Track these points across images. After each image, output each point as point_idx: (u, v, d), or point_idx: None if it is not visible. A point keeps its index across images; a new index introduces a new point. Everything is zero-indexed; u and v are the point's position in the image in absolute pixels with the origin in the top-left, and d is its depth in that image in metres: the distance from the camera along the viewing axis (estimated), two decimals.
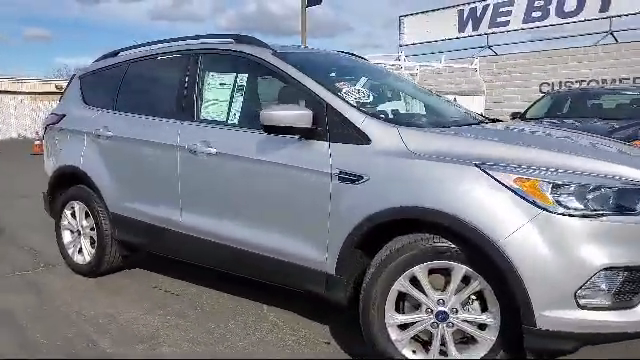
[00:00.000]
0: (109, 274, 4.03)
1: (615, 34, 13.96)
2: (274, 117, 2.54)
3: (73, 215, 4.08)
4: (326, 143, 2.55)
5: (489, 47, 16.96)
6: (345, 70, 3.31)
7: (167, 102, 3.48)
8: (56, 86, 29.90)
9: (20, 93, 28.18)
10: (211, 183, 3.02)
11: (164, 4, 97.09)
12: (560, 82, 13.64)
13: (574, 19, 14.52)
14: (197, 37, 3.48)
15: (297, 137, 2.63)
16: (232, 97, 3.04)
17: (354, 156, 2.45)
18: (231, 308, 3.36)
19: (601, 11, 13.89)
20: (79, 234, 4.02)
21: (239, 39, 3.20)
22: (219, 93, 3.11)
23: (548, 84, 13.53)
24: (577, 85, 13.03)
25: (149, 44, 3.81)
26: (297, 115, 2.54)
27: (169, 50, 3.51)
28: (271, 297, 3.42)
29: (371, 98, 2.84)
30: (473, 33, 17.09)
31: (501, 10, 16.27)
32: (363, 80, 3.15)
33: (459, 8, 17.33)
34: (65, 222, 4.12)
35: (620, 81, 12.19)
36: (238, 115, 3.00)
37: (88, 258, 3.96)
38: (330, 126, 2.57)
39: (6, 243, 5.14)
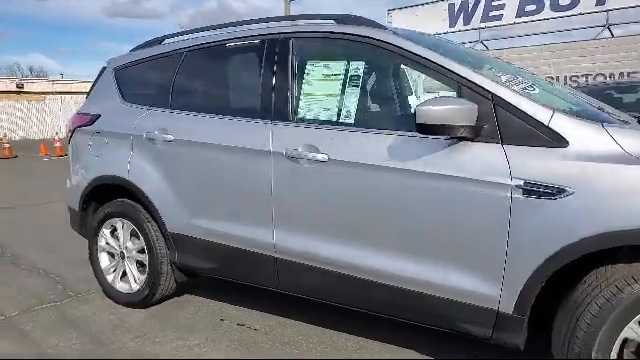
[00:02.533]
0: (158, 304, 3.39)
1: (611, 28, 13.90)
2: (433, 113, 1.99)
3: (114, 235, 3.42)
4: (498, 145, 2.02)
5: (481, 42, 16.71)
6: (468, 56, 2.75)
7: (247, 98, 2.88)
8: (17, 85, 28.30)
9: None
10: (321, 197, 2.44)
11: (121, 0, 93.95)
12: (565, 77, 13.44)
13: (569, 13, 14.38)
14: (282, 19, 2.88)
15: (448, 138, 2.08)
16: (344, 90, 2.46)
17: (545, 162, 1.92)
18: (331, 344, 2.79)
19: (598, 4, 13.77)
20: (122, 257, 3.36)
21: (342, 20, 2.62)
22: (324, 86, 2.53)
23: (552, 78, 13.33)
24: (584, 80, 12.85)
25: (208, 29, 3.18)
26: (460, 110, 1.99)
27: (244, 35, 2.88)
28: (371, 326, 2.87)
29: (537, 90, 2.30)
30: (464, 28, 16.80)
31: (494, 4, 16.02)
32: (493, 68, 2.61)
33: (450, 2, 16.98)
34: (102, 243, 3.45)
35: (627, 75, 12.06)
36: (354, 112, 2.43)
37: (136, 286, 3.30)
38: (502, 124, 2.03)
39: (12, 265, 4.40)
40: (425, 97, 2.32)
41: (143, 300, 3.25)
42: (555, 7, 14.66)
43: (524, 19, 15.43)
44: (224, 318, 3.18)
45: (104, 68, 3.67)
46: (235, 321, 3.13)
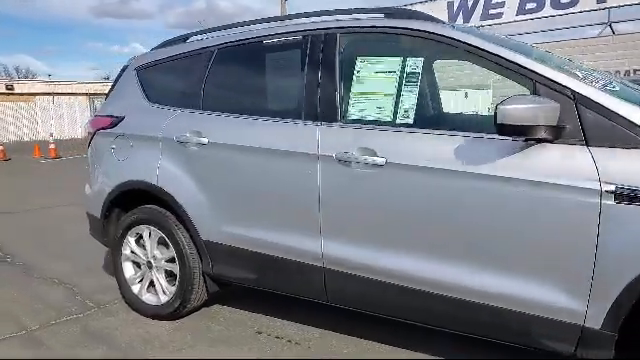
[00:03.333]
0: (186, 316, 3.21)
1: (613, 25, 13.86)
2: (517, 113, 1.84)
3: (139, 243, 3.23)
4: (582, 147, 1.87)
5: None
6: (532, 52, 2.58)
7: (289, 98, 2.72)
8: (6, 86, 27.82)
9: None
10: (378, 203, 2.27)
11: (109, 0, 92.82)
12: None
13: (570, 10, 14.32)
14: (324, 14, 2.71)
15: (526, 140, 1.93)
16: (400, 88, 2.30)
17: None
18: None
19: (599, 2, 13.73)
20: (149, 267, 3.17)
21: (392, 13, 2.46)
22: (377, 83, 2.37)
23: None
24: None
25: (241, 25, 3.00)
26: (543, 110, 1.84)
27: (284, 31, 2.71)
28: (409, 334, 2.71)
29: (617, 87, 2.15)
30: None
31: (493, 2, 15.94)
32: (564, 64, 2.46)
33: (449, 0, 16.91)
34: (127, 252, 3.26)
35: (634, 72, 12.02)
36: (413, 111, 2.26)
37: (164, 298, 3.12)
38: (586, 124, 1.88)
39: (24, 275, 4.19)
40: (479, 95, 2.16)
41: (173, 312, 3.07)
42: (556, 5, 14.60)
43: (524, 17, 15.37)
44: (260, 330, 3.01)
45: (125, 67, 3.48)
46: (273, 333, 2.96)
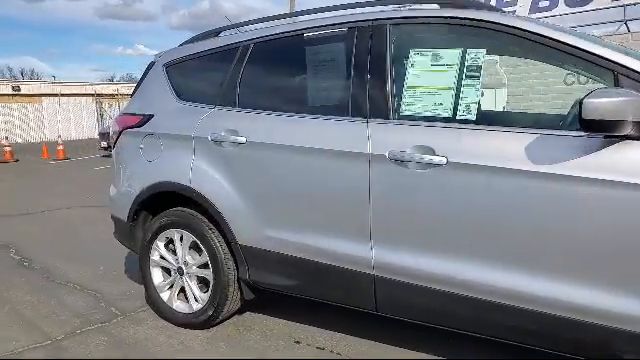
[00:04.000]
0: (218, 324, 3.05)
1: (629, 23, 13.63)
2: (606, 107, 1.67)
3: (169, 248, 3.08)
4: None
5: None
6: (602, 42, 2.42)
7: (334, 94, 2.56)
8: (13, 87, 27.81)
9: None
10: (437, 206, 2.11)
11: (113, 2, 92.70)
12: None
13: (585, 8, 14.11)
14: (368, 4, 2.55)
15: (608, 137, 1.77)
16: (460, 82, 2.14)
17: None
18: None
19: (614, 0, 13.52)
20: (180, 273, 3.02)
21: (449, 3, 2.30)
22: (434, 77, 2.20)
23: (573, 75, 13.08)
24: None
25: (277, 18, 2.84)
26: (632, 104, 1.68)
27: (327, 23, 2.55)
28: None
29: None
30: None
31: (505, 0, 15.75)
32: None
33: None
34: (156, 257, 3.11)
35: None
36: (475, 107, 2.10)
37: (197, 305, 2.96)
38: None
39: (45, 280, 4.04)
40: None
41: (206, 321, 2.91)
42: (570, 2, 14.39)
43: (538, 15, 15.16)
44: (299, 340, 2.85)
45: (152, 64, 3.33)
46: (313, 343, 2.80)
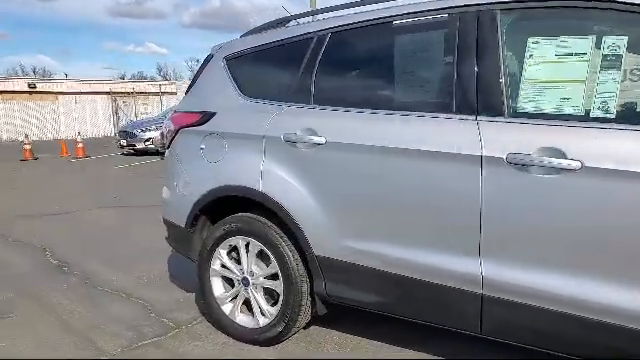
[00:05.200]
0: (285, 340, 2.80)
1: None
2: None
3: (232, 256, 2.84)
4: None
5: None
6: None
7: (431, 88, 2.31)
8: (29, 85, 27.82)
9: None
10: (569, 217, 1.84)
11: (125, 0, 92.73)
12: None
13: None
14: None
15: None
16: (594, 75, 1.86)
17: None
18: None
19: None
20: (244, 284, 2.77)
21: None
22: (559, 69, 1.93)
23: None
24: None
25: (357, 5, 2.58)
26: None
27: (421, 10, 2.28)
28: None
29: None
30: None
31: None
32: None
33: None
34: (217, 266, 2.86)
35: None
36: (614, 103, 1.82)
37: (264, 320, 2.71)
38: None
39: (86, 286, 3.83)
40: None
41: (274, 338, 2.67)
42: None
43: None
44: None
45: (210, 57, 3.09)
46: None
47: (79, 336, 2.96)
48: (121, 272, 4.11)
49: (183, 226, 2.95)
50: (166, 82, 35.00)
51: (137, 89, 29.99)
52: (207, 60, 3.09)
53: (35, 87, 27.97)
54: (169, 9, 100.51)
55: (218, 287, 2.89)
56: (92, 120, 29.18)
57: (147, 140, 14.99)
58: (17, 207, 7.24)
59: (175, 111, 3.14)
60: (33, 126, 27.11)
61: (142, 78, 46.94)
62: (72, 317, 3.24)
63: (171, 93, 30.06)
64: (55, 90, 28.17)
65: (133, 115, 28.80)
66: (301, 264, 2.56)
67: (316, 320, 2.83)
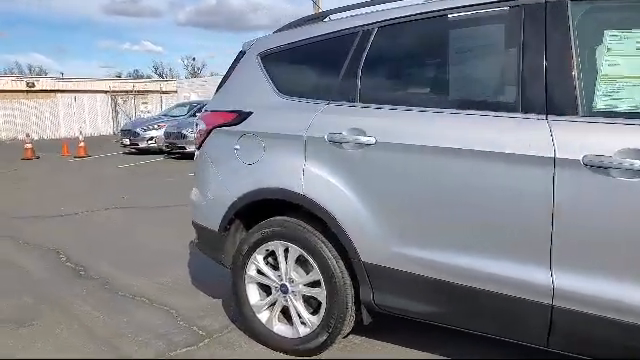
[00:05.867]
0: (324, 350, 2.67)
1: None
2: None
3: (269, 262, 2.70)
4: None
5: None
6: None
7: (492, 85, 2.18)
8: (27, 83, 27.55)
9: None
10: None
11: None
12: None
13: None
14: None
15: None
16: None
17: None
18: None
19: None
20: (283, 291, 2.64)
21: None
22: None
23: None
24: None
25: None
26: None
27: (479, 2, 2.14)
28: None
29: None
30: None
31: None
32: None
33: None
34: (252, 272, 2.73)
35: None
36: None
37: (303, 329, 2.58)
38: None
39: (107, 291, 3.69)
40: None
41: (317, 348, 2.55)
42: None
43: None
44: None
45: (242, 53, 2.95)
46: None
47: (106, 345, 2.82)
48: (140, 276, 3.97)
49: (216, 230, 2.82)
50: (166, 80, 34.76)
51: (137, 87, 29.76)
52: (239, 57, 2.96)
53: (34, 86, 27.68)
54: (164, 7, 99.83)
55: (254, 294, 2.76)
56: (91, 119, 28.94)
57: (150, 139, 14.82)
58: (23, 208, 7.09)
59: (206, 110, 3.00)
60: (33, 125, 26.83)
61: (138, 77, 46.65)
62: (96, 324, 3.10)
63: (171, 92, 29.84)
64: (53, 88, 27.89)
65: (133, 114, 28.58)
66: (346, 271, 2.43)
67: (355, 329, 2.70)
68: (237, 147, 2.72)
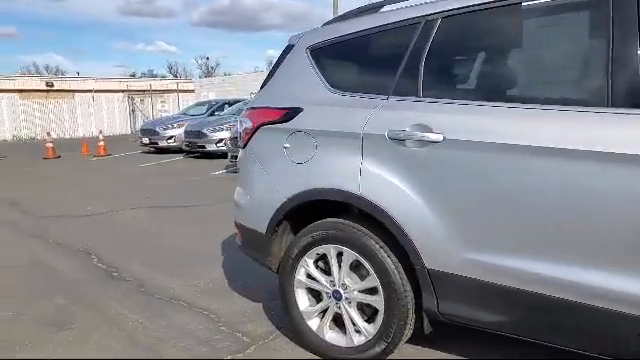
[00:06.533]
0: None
1: None
2: None
3: (320, 266, 2.57)
4: None
5: None
6: None
7: (576, 79, 2.02)
8: (47, 83, 27.79)
9: (9, 91, 25.97)
10: None
11: None
12: None
13: None
14: None
15: None
16: None
17: None
18: None
19: None
20: (336, 298, 2.50)
21: None
22: None
23: None
24: None
25: None
26: None
27: None
28: None
29: None
30: None
31: None
32: None
33: None
34: (302, 277, 2.60)
35: None
36: None
37: (358, 338, 2.44)
38: None
39: (142, 293, 3.59)
40: None
41: (374, 358, 2.39)
42: None
43: None
44: None
45: (289, 47, 2.81)
46: None
47: (149, 351, 2.71)
48: (175, 278, 3.86)
49: (263, 232, 2.69)
50: (184, 80, 34.87)
51: (154, 87, 29.87)
52: (286, 51, 2.82)
53: (53, 85, 27.94)
54: (178, 7, 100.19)
55: (303, 300, 2.63)
56: (109, 118, 29.12)
57: (169, 138, 14.79)
58: (49, 207, 7.05)
59: (252, 107, 2.87)
60: (52, 124, 27.07)
61: (153, 76, 46.86)
62: (136, 329, 3.00)
63: (188, 91, 29.89)
64: (72, 88, 28.11)
65: (150, 113, 28.69)
66: (406, 278, 2.28)
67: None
68: (287, 145, 2.58)
